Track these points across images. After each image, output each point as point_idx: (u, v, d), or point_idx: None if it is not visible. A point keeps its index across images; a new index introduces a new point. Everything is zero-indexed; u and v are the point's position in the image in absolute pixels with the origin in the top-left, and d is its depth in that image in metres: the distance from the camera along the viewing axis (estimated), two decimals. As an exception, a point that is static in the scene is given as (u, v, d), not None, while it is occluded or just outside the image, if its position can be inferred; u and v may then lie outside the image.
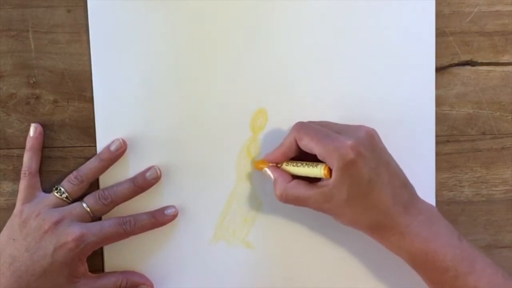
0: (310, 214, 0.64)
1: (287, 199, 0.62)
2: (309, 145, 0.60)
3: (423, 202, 0.62)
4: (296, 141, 0.62)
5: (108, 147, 0.65)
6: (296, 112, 0.66)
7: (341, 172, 0.58)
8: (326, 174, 0.60)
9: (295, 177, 0.63)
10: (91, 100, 0.66)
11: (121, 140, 0.65)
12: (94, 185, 0.66)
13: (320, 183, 0.61)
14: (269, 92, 0.67)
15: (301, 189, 0.61)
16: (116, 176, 0.66)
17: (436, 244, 0.59)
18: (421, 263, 0.60)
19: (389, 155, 0.62)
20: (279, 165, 0.64)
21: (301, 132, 0.61)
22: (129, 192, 0.65)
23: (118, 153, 0.65)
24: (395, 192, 0.60)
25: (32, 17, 0.65)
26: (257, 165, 0.66)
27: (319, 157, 0.60)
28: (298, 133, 0.62)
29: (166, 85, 0.66)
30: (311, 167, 0.61)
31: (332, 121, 0.65)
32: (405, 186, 0.61)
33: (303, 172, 0.62)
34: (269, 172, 0.64)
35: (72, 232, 0.62)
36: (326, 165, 0.60)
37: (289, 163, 0.63)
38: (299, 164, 0.62)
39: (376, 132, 0.62)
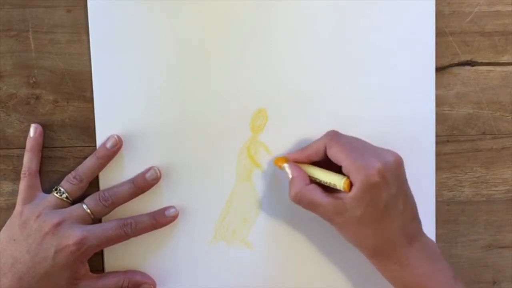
0: (310, 214, 0.64)
1: (300, 200, 0.61)
2: (338, 155, 0.60)
3: (426, 238, 0.62)
4: (325, 147, 0.62)
5: (104, 144, 0.65)
6: (296, 112, 0.67)
7: (362, 190, 0.58)
8: (346, 187, 0.59)
9: (311, 181, 0.62)
10: (91, 100, 0.66)
11: (116, 137, 0.65)
12: (94, 186, 0.66)
13: (337, 194, 0.60)
14: (269, 92, 0.67)
15: (317, 195, 0.61)
16: (116, 176, 0.66)
17: (432, 282, 0.60)
18: None
19: (408, 186, 0.62)
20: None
21: (333, 141, 0.61)
22: (129, 193, 0.65)
23: (114, 149, 0.65)
24: (405, 224, 0.60)
25: (32, 17, 0.65)
26: (277, 162, 0.65)
27: (344, 170, 0.60)
28: (330, 141, 0.61)
29: (166, 85, 0.66)
30: (332, 174, 0.61)
31: (361, 138, 0.64)
32: (415, 220, 0.61)
33: (322, 177, 0.62)
34: (287, 169, 0.63)
35: (73, 235, 0.61)
36: (348, 178, 0.59)
37: (310, 165, 0.63)
38: (320, 169, 0.62)
39: (402, 161, 0.61)
